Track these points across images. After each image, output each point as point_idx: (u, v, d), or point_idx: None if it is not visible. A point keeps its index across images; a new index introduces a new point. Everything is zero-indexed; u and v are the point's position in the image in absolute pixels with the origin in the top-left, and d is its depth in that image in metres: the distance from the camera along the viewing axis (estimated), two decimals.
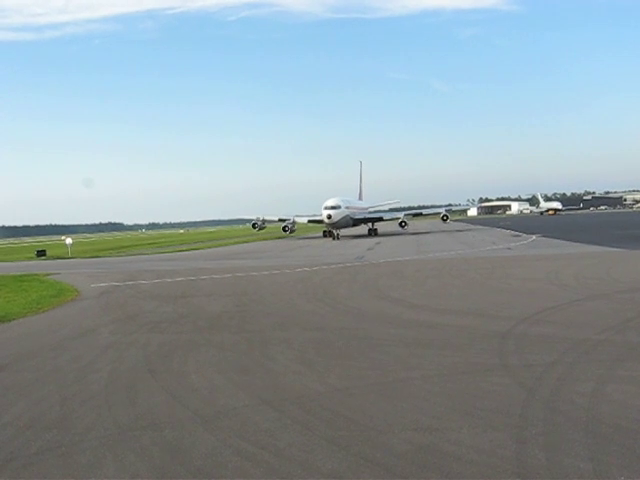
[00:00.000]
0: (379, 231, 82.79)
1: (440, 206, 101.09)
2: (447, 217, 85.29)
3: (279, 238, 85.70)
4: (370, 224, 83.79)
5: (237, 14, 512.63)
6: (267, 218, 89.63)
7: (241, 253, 52.08)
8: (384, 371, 10.56)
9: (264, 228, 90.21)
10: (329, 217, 71.09)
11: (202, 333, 15.19)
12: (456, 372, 10.26)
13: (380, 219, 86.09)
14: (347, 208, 75.81)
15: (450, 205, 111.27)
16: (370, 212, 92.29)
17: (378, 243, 58.20)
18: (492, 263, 30.08)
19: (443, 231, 79.21)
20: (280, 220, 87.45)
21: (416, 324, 14.85)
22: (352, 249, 49.54)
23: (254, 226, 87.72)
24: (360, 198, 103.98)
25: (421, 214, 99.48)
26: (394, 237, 68.50)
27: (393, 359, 11.37)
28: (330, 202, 73.20)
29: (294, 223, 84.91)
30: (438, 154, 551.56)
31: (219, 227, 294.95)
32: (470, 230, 75.92)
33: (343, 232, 79.33)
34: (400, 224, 79.70)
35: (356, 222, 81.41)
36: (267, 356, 12.27)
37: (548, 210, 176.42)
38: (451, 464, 6.56)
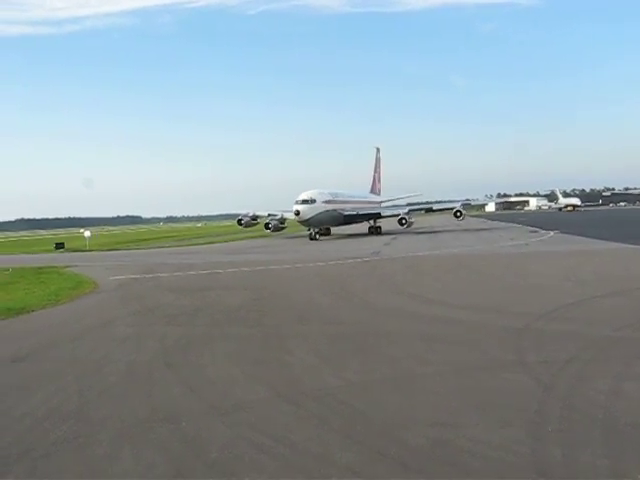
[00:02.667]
0: (384, 229, 73.16)
1: (456, 201, 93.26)
2: (461, 213, 71.45)
3: (259, 237, 71.97)
4: (372, 221, 73.40)
5: (256, 8, 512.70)
6: (258, 213, 75.98)
7: (255, 247, 52.14)
8: (400, 366, 10.55)
9: (255, 224, 76.58)
10: (297, 213, 59.35)
11: (219, 326, 15.24)
12: (472, 368, 10.23)
13: (378, 215, 73.64)
14: (329, 202, 63.29)
15: (468, 200, 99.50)
16: (382, 207, 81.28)
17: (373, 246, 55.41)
18: (510, 259, 29.95)
19: (453, 230, 72.86)
20: (269, 215, 74.26)
21: (432, 319, 14.82)
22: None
23: (240, 222, 74.90)
24: (374, 190, 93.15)
25: (432, 209, 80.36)
26: (402, 236, 61.57)
27: (409, 354, 11.36)
28: (303, 195, 61.26)
29: (283, 220, 73.14)
30: (455, 149, 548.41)
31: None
32: (488, 230, 69.59)
33: (335, 230, 70.91)
34: (400, 221, 67.50)
35: (348, 219, 69.41)
36: (284, 349, 12.30)
37: (567, 206, 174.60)
38: (466, 460, 6.55)
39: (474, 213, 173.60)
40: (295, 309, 17.35)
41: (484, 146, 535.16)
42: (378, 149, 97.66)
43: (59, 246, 65.53)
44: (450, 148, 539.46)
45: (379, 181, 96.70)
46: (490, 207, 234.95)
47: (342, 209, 67.19)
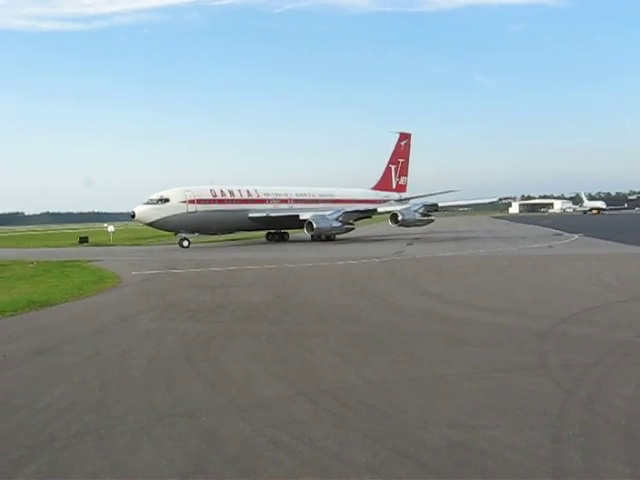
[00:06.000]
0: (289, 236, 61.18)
1: (467, 206, 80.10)
2: (407, 216, 53.20)
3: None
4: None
5: (283, 6, 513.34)
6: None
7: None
8: (421, 366, 10.52)
9: None
10: (133, 216, 48.98)
11: (240, 323, 15.29)
12: (493, 370, 10.17)
13: (296, 217, 54.59)
14: (206, 202, 51.02)
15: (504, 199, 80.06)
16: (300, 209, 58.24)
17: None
18: (533, 261, 29.73)
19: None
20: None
21: (454, 320, 14.77)
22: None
23: None
24: (386, 186, 73.38)
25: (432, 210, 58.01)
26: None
27: (430, 355, 11.32)
28: (154, 195, 49.73)
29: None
30: (479, 150, 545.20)
31: None
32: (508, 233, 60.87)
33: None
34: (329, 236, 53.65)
35: (261, 222, 56.08)
36: (304, 347, 12.31)
37: (591, 209, 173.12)
38: (486, 462, 6.51)
39: (497, 214, 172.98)
40: None
41: (509, 147, 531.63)
42: (402, 135, 76.25)
43: (83, 240, 66.16)
44: (475, 149, 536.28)
45: (402, 174, 76.20)
46: (514, 209, 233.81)
47: (246, 209, 54.59)
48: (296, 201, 60.05)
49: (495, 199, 63.48)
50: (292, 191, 61.18)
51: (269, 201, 57.63)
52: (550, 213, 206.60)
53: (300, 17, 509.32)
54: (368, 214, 60.24)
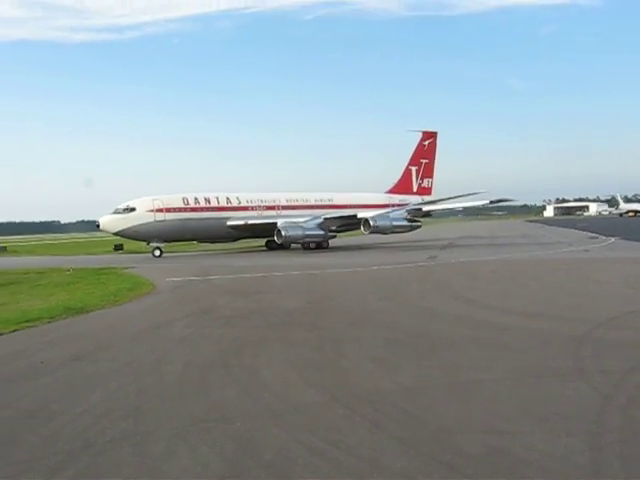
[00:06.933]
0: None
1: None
2: (379, 223, 49.90)
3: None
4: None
5: (313, 13, 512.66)
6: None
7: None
8: (456, 372, 10.44)
9: None
10: (98, 226, 49.16)
11: (274, 329, 15.31)
12: (529, 375, 10.05)
13: (274, 225, 50.52)
14: (177, 210, 50.16)
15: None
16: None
17: None
18: (568, 265, 29.38)
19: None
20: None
21: (489, 325, 14.65)
22: None
23: None
24: (406, 188, 67.70)
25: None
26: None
27: (465, 360, 11.23)
28: (122, 204, 49.39)
29: None
30: (512, 152, 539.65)
31: None
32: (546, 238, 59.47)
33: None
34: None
35: (238, 230, 53.84)
36: (338, 353, 12.30)
37: (628, 212, 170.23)
38: (523, 469, 6.43)
39: (532, 218, 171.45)
40: None
41: (542, 149, 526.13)
42: (426, 134, 69.67)
43: (118, 248, 66.81)
44: (507, 151, 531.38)
45: (426, 176, 69.88)
46: (548, 212, 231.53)
47: (225, 217, 53.14)
48: (285, 207, 57.28)
49: (486, 202, 59.45)
50: (282, 197, 58.66)
51: (252, 208, 55.60)
52: (585, 216, 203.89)
53: (331, 23, 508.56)
54: (353, 220, 53.37)
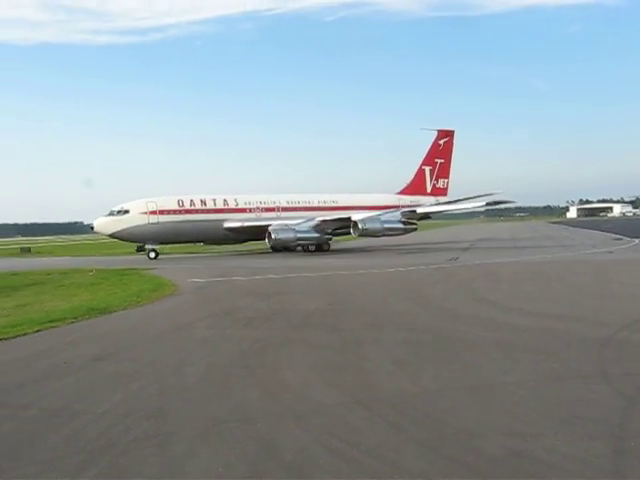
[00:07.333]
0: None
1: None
2: (369, 225, 48.16)
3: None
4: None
5: (335, 14, 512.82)
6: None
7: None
8: (477, 374, 10.39)
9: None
10: (92, 228, 50.41)
11: (295, 330, 15.33)
12: (552, 378, 9.98)
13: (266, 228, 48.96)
14: (171, 213, 50.02)
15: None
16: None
17: None
18: (592, 267, 29.15)
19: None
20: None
21: (511, 327, 14.56)
22: None
23: None
24: (419, 189, 65.39)
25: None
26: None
27: (487, 362, 11.17)
28: (116, 207, 49.78)
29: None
30: (535, 153, 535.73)
31: None
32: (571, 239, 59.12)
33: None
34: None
35: (235, 232, 53.20)
36: (360, 355, 12.29)
37: None
38: (545, 472, 6.38)
39: (554, 219, 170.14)
40: None
41: (566, 150, 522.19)
42: (442, 132, 67.21)
43: (140, 249, 67.12)
44: (531, 152, 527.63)
45: (442, 176, 67.34)
46: (572, 213, 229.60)
47: (221, 219, 52.55)
48: (285, 209, 56.36)
49: (482, 203, 57.01)
50: (282, 199, 57.68)
51: (250, 210, 54.81)
52: (609, 217, 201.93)
53: (352, 24, 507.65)
54: (349, 222, 50.45)
